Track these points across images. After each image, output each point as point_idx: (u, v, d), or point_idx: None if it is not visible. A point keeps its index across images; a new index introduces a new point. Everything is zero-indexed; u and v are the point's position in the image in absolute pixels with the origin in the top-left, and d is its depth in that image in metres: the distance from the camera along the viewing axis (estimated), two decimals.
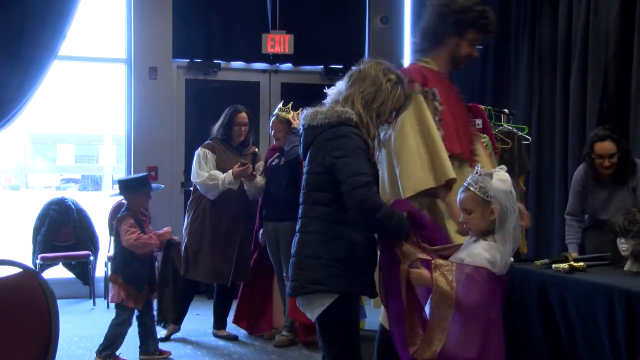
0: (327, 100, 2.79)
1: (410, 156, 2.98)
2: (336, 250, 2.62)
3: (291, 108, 5.03)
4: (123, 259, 4.43)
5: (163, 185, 5.02)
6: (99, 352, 4.46)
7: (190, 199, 5.30)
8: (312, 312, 2.67)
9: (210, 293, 5.63)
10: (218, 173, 5.05)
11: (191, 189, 5.39)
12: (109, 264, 6.43)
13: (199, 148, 5.24)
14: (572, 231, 4.40)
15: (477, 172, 2.54)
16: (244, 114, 5.26)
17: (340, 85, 2.79)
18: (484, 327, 2.47)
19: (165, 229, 4.63)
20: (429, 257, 2.53)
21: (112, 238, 4.48)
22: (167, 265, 4.68)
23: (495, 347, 2.49)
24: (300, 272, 2.67)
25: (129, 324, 4.51)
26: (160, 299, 4.67)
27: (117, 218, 4.48)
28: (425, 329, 2.51)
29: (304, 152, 2.77)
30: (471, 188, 2.52)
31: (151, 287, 4.55)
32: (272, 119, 5.12)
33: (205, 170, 5.07)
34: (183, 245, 5.12)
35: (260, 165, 5.27)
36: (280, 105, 5.13)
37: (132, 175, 4.62)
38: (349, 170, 2.56)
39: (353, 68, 2.81)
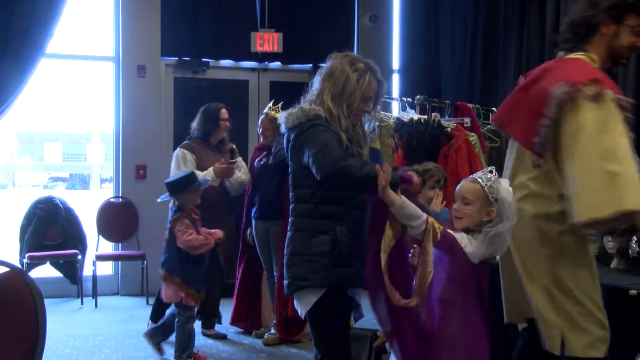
0: (304, 100, 2.84)
1: (586, 178, 2.46)
2: (319, 245, 2.66)
3: (281, 108, 5.04)
4: (178, 259, 4.39)
5: (210, 179, 4.98)
6: (179, 357, 4.43)
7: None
8: (302, 308, 2.72)
9: None
10: (198, 173, 5.03)
11: None
12: (97, 262, 6.45)
13: (177, 149, 5.22)
14: None
15: (490, 171, 2.56)
16: (225, 110, 5.25)
17: (314, 83, 2.86)
18: (452, 307, 2.51)
19: (215, 230, 4.58)
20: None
21: (167, 238, 4.44)
22: (214, 265, 4.70)
23: (472, 333, 2.52)
24: (289, 269, 2.73)
25: (194, 320, 4.53)
26: (208, 298, 4.72)
27: (171, 219, 4.44)
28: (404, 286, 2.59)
29: (287, 154, 2.84)
30: (481, 182, 2.53)
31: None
32: (262, 117, 5.13)
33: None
34: None
35: (240, 161, 5.24)
36: (271, 104, 5.14)
37: (178, 175, 4.55)
38: (313, 145, 2.63)
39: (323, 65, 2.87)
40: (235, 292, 5.37)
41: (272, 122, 5.02)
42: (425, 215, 2.53)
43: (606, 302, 2.70)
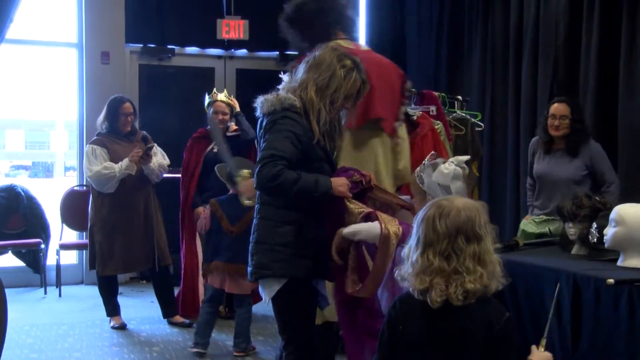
0: (282, 86, 2.83)
1: None
2: (282, 235, 2.68)
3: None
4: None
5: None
6: (245, 348, 4.41)
7: (91, 194, 5.22)
8: (266, 295, 2.76)
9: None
10: (113, 164, 4.98)
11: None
12: (60, 251, 6.36)
13: (87, 145, 5.17)
14: (530, 194, 4.57)
15: (427, 159, 2.58)
16: (128, 104, 5.17)
17: (299, 70, 2.83)
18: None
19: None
20: (371, 210, 2.65)
21: (239, 230, 4.37)
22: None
23: None
24: (252, 257, 2.76)
25: None
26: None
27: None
28: (365, 274, 2.62)
29: (259, 139, 2.83)
30: (416, 173, 2.56)
31: None
32: (215, 103, 5.11)
33: (97, 164, 4.98)
34: (96, 243, 5.08)
35: (156, 147, 5.15)
36: (215, 91, 5.22)
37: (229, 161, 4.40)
38: (267, 146, 2.63)
39: (309, 54, 2.85)
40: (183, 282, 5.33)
41: (229, 106, 5.13)
42: (376, 224, 2.54)
43: (567, 288, 2.75)
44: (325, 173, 2.74)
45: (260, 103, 2.75)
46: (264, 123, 2.73)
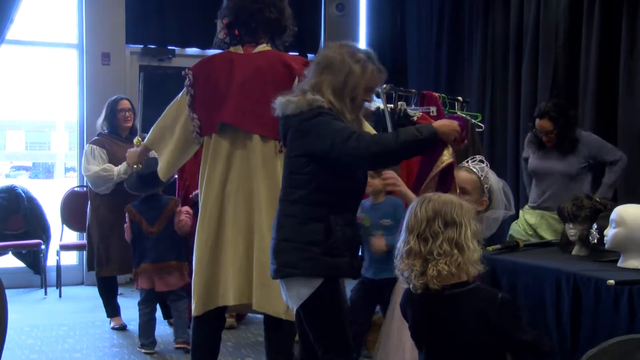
0: (296, 88, 2.76)
1: None
2: (311, 233, 2.56)
3: None
4: (180, 242, 4.47)
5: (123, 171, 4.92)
6: (187, 340, 4.36)
7: (89, 194, 5.21)
8: (293, 301, 2.63)
9: None
10: (112, 166, 4.97)
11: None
12: (60, 252, 6.35)
13: (87, 145, 5.17)
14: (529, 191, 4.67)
15: (482, 161, 2.60)
16: (125, 101, 5.20)
17: (308, 73, 2.73)
18: None
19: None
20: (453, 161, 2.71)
21: (157, 229, 4.44)
22: None
23: None
24: (278, 255, 2.63)
25: None
26: None
27: (170, 202, 4.49)
28: None
29: (283, 138, 2.74)
30: (477, 172, 2.58)
31: None
32: None
33: (95, 164, 4.97)
34: (94, 244, 5.08)
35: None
36: None
37: (147, 168, 4.31)
38: (330, 134, 2.52)
39: (314, 55, 2.81)
40: None
41: None
42: None
43: (566, 288, 2.74)
44: (358, 173, 2.70)
45: (282, 104, 2.63)
46: (291, 123, 2.62)
